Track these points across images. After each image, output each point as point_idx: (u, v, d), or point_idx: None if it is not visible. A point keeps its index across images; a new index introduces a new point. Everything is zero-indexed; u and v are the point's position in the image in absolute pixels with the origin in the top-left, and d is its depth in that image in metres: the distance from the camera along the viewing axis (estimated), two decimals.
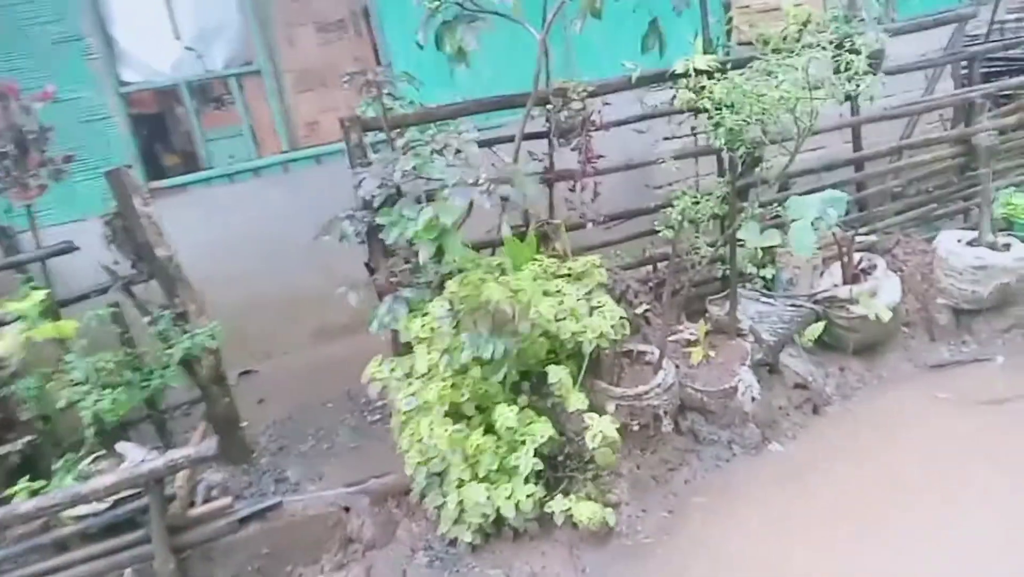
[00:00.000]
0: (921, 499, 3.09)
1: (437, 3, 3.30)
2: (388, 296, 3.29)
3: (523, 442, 3.07)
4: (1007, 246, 4.30)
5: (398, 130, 3.58)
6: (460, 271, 3.24)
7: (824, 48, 3.56)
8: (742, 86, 3.43)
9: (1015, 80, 4.97)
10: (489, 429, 3.14)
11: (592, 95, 3.77)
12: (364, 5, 5.25)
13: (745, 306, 4.09)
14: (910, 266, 4.53)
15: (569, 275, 3.61)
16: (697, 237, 4.03)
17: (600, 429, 3.05)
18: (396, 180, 3.16)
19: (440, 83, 3.85)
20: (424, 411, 3.09)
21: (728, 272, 4.06)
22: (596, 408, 3.24)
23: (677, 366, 3.71)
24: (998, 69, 5.64)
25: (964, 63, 5.31)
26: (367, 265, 3.57)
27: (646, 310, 4.00)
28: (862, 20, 3.71)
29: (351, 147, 3.43)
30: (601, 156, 3.94)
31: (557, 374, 3.16)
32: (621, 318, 3.38)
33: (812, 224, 3.61)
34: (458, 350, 3.02)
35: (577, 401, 3.16)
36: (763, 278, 4.28)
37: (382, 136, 3.54)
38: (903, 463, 3.36)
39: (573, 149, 3.88)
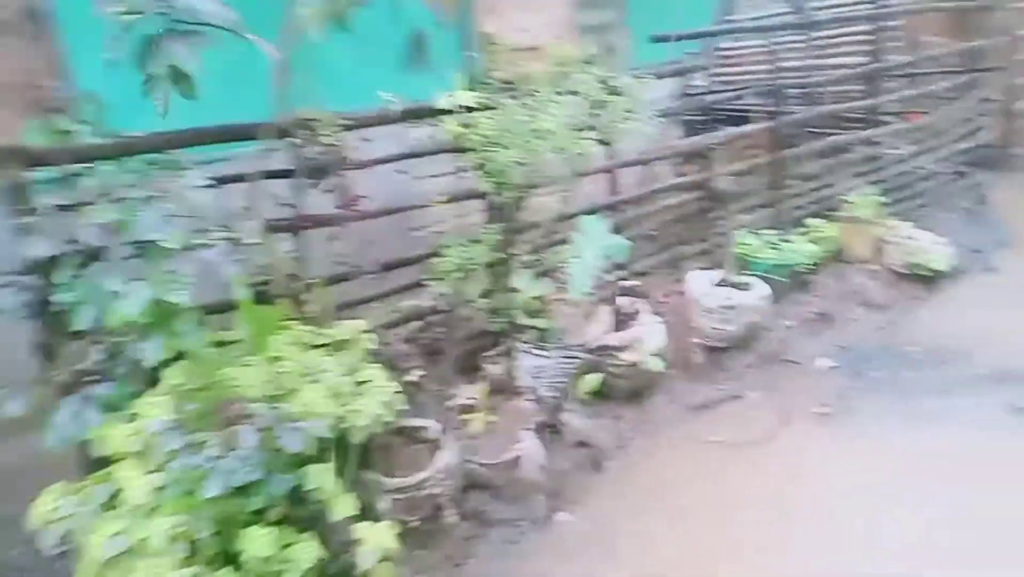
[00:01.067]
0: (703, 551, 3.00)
1: (133, 13, 2.48)
2: (72, 396, 2.39)
3: (282, 574, 2.38)
4: (747, 285, 4.58)
5: (84, 165, 2.68)
6: (180, 355, 2.45)
7: (586, 90, 3.45)
8: (514, 118, 3.16)
9: (743, 128, 5.39)
10: (233, 560, 2.39)
11: (347, 128, 3.22)
12: (35, 3, 4.11)
13: (522, 361, 3.81)
14: (667, 308, 4.64)
15: (328, 345, 2.99)
16: (469, 288, 3.67)
17: (375, 542, 2.48)
18: (85, 239, 2.31)
19: (140, 106, 3.00)
20: (139, 554, 2.25)
21: (503, 325, 3.75)
22: (367, 506, 2.66)
23: (458, 440, 3.28)
24: (722, 118, 6.16)
25: (696, 111, 5.70)
26: (39, 349, 2.60)
27: (420, 376, 3.52)
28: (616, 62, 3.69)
29: (7, 188, 2.47)
30: (363, 197, 3.40)
31: (319, 477, 2.52)
32: (395, 392, 2.85)
33: (590, 266, 3.46)
34: (198, 478, 2.24)
35: (344, 506, 2.55)
36: (538, 329, 4.04)
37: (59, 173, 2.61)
38: (686, 517, 3.28)
39: (327, 191, 3.28)
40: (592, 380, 3.92)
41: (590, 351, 3.97)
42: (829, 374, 4.41)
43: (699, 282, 4.60)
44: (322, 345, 2.98)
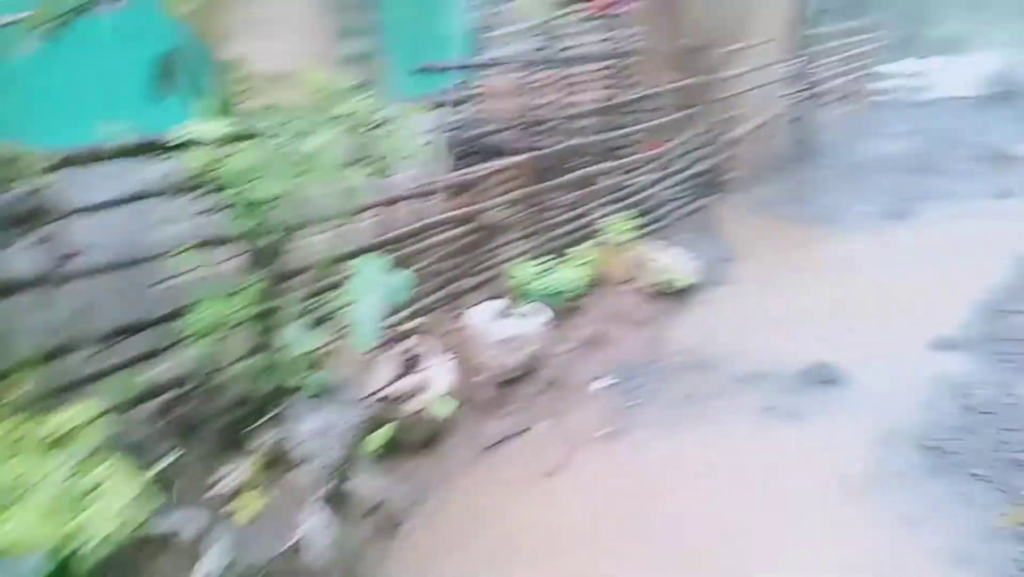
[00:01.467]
0: None
1: None
2: None
3: None
4: (528, 315, 4.60)
5: None
6: None
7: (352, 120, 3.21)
8: (273, 150, 2.79)
9: (505, 160, 5.46)
10: None
11: (60, 167, 2.62)
12: None
13: (299, 425, 3.38)
14: (451, 346, 4.49)
15: (47, 440, 2.36)
16: (228, 348, 3.17)
17: None
18: None
19: None
20: None
21: (273, 387, 3.30)
22: None
23: (226, 535, 2.77)
24: (485, 151, 6.23)
25: (461, 144, 5.68)
26: None
27: (174, 460, 2.94)
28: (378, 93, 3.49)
29: None
30: (81, 250, 2.79)
31: None
32: (142, 489, 2.31)
33: (371, 310, 3.17)
34: None
35: None
36: (315, 386, 3.63)
37: None
38: (489, 562, 3.11)
39: (34, 244, 2.63)
40: (381, 435, 3.61)
41: (377, 403, 3.67)
42: (607, 394, 4.55)
43: (481, 316, 4.52)
44: (38, 442, 2.34)
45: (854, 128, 13.83)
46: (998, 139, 11.49)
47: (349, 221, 3.62)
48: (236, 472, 3.10)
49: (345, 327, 3.52)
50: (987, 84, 16.64)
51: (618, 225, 5.90)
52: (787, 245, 7.25)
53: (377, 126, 3.44)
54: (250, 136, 3.01)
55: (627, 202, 6.58)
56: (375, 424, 3.61)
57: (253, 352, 3.16)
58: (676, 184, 7.29)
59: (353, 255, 3.93)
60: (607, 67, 8.69)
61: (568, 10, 8.57)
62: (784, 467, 3.69)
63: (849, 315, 5.36)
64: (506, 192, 5.40)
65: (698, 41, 7.55)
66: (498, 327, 4.40)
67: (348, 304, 3.43)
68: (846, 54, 14.73)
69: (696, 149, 7.64)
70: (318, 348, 3.54)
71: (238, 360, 3.12)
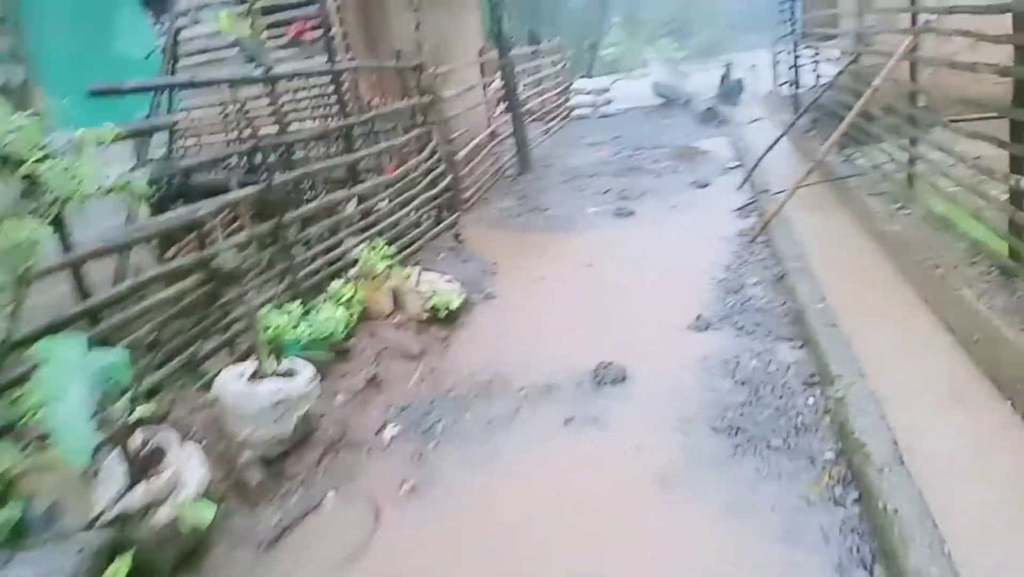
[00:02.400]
0: None
1: None
2: None
3: None
4: (291, 372, 3.88)
5: None
6: None
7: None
8: None
9: (231, 195, 4.63)
10: None
11: None
12: None
13: None
14: (199, 429, 3.60)
15: None
16: None
17: None
18: None
19: None
20: None
21: None
22: None
23: None
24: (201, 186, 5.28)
25: (169, 180, 4.71)
26: None
27: None
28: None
29: None
30: None
31: None
32: None
33: (78, 407, 2.30)
34: None
35: None
36: (5, 527, 2.58)
37: None
38: None
39: None
40: (119, 567, 2.67)
41: (108, 527, 2.72)
42: (399, 442, 4.02)
43: (231, 384, 3.70)
44: None
45: (561, 140, 14.91)
46: (679, 138, 13.16)
47: (21, 292, 2.65)
48: None
49: (44, 435, 2.56)
50: (654, 95, 19.21)
51: (372, 255, 5.39)
52: (537, 253, 7.34)
53: (41, 159, 2.56)
54: None
55: (376, 229, 6.09)
56: (110, 555, 2.67)
57: None
58: (420, 206, 6.97)
59: (36, 337, 2.92)
60: (324, 92, 8.14)
61: (269, 34, 7.85)
62: (600, 474, 3.52)
63: (612, 312, 5.47)
64: (240, 230, 4.59)
65: (410, 63, 7.36)
66: (257, 393, 3.63)
67: (40, 404, 2.49)
68: (540, 75, 15.86)
69: (431, 169, 7.41)
70: (7, 471, 2.53)
71: None
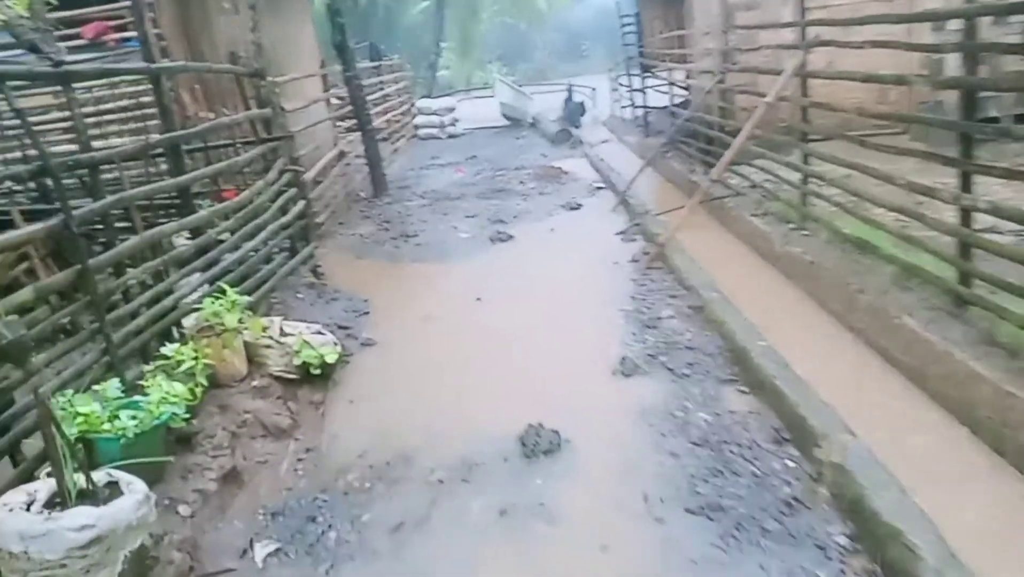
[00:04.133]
0: None
1: None
2: None
3: None
4: (109, 491, 2.66)
5: None
6: None
7: None
8: None
9: (6, 236, 3.29)
10: None
11: None
12: None
13: None
14: None
15: None
16: None
17: None
18: None
19: None
20: None
21: None
22: None
23: None
24: None
25: None
26: None
27: None
28: None
29: None
30: None
31: None
32: None
33: None
34: None
35: None
36: None
37: None
38: None
39: None
40: None
41: None
42: (277, 565, 2.93)
43: (12, 519, 2.43)
44: None
45: (412, 160, 14.02)
46: (537, 159, 12.76)
47: None
48: None
49: None
50: (501, 116, 18.94)
51: (215, 302, 4.18)
52: (414, 287, 6.41)
53: None
54: None
55: (218, 268, 4.86)
56: None
57: None
58: (269, 237, 5.77)
59: None
60: (139, 102, 6.66)
61: (59, 35, 6.24)
62: None
63: (520, 357, 4.68)
64: (19, 284, 3.24)
65: (249, 68, 6.18)
66: (53, 531, 2.40)
67: None
68: (385, 91, 14.90)
69: (281, 192, 6.23)
70: None
71: None
